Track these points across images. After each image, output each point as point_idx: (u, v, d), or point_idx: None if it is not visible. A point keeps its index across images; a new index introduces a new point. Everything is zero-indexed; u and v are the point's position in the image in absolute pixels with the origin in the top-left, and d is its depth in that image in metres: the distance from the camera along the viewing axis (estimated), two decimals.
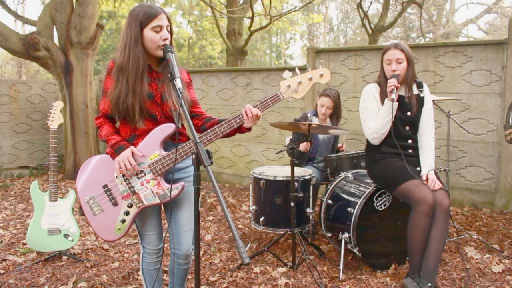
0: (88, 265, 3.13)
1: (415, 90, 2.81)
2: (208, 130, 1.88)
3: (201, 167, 1.65)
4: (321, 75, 1.96)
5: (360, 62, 4.97)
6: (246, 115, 1.88)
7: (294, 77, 1.95)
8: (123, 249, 3.48)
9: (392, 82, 2.62)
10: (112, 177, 1.97)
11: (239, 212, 4.58)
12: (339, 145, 3.98)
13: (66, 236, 3.16)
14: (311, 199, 3.29)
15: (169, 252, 2.32)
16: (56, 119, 3.14)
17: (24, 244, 3.63)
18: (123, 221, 1.97)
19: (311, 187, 3.28)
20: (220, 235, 3.82)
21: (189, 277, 2.58)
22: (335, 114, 3.77)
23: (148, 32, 1.86)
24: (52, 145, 3.15)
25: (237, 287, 2.75)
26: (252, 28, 9.62)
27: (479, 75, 4.35)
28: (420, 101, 2.79)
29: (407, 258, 2.79)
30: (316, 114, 3.81)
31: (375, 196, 2.86)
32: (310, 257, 3.06)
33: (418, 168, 2.75)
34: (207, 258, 3.23)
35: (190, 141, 1.89)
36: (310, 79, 1.95)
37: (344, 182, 3.24)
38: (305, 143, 3.49)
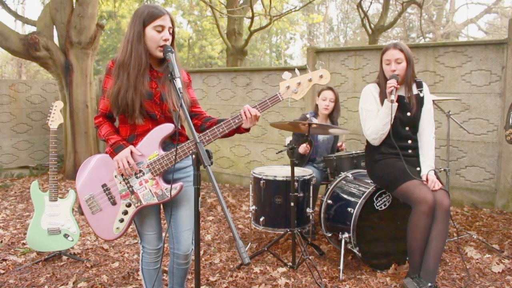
0: (88, 265, 3.13)
1: (415, 90, 2.80)
2: (207, 131, 1.89)
3: (201, 167, 1.65)
4: (321, 76, 1.94)
5: (360, 62, 4.97)
6: (245, 115, 1.89)
7: (294, 78, 1.93)
8: (123, 249, 3.48)
9: (392, 83, 2.61)
10: (111, 176, 1.97)
11: (239, 212, 4.58)
12: (338, 144, 3.98)
13: (66, 236, 3.16)
14: (311, 199, 3.29)
15: (168, 252, 2.31)
16: (56, 119, 3.14)
17: (24, 244, 3.63)
18: (121, 220, 1.97)
19: (311, 187, 3.28)
20: (220, 235, 3.82)
21: (189, 277, 2.58)
22: (336, 109, 3.78)
23: (150, 31, 1.88)
24: (52, 145, 3.15)
25: (237, 287, 2.75)
26: (252, 28, 9.61)
27: (479, 75, 4.35)
28: (420, 101, 2.78)
29: (407, 258, 2.79)
30: (315, 115, 3.80)
31: (375, 196, 2.86)
32: (310, 257, 3.06)
33: (418, 168, 2.75)
34: (207, 258, 3.23)
35: (189, 141, 1.89)
36: (310, 80, 1.93)
37: (344, 182, 3.24)
38: (304, 144, 3.49)
